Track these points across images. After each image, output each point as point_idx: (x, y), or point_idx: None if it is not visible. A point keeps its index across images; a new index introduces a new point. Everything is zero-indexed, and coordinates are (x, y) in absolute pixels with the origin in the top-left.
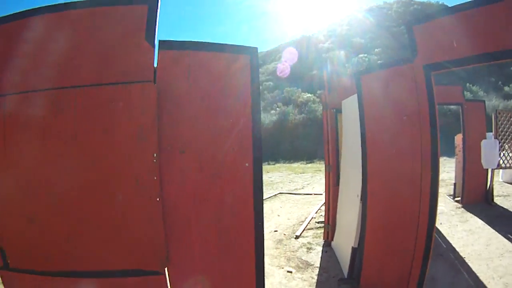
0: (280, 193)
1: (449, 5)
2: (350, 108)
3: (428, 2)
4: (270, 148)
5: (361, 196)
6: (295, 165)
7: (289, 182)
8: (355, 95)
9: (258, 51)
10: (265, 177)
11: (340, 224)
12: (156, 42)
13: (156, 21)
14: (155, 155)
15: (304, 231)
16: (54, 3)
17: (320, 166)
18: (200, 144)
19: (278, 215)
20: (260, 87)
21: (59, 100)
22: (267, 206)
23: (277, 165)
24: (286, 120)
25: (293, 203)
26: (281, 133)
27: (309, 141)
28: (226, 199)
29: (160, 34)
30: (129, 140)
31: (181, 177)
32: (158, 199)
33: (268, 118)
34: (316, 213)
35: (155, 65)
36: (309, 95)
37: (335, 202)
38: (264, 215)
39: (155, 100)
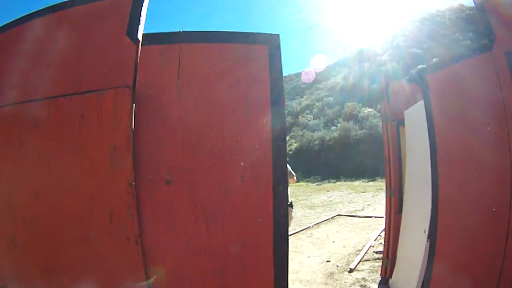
0: (339, 215)
1: None
2: (415, 119)
3: None
4: (332, 166)
5: (429, 232)
6: (356, 183)
7: (349, 203)
8: (421, 102)
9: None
10: (325, 196)
11: (401, 261)
12: (140, 37)
13: (141, 12)
14: (131, 184)
15: (360, 263)
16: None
17: (382, 184)
18: (195, 171)
19: (333, 242)
20: (320, 103)
21: (33, 114)
22: (322, 230)
23: (338, 183)
24: (348, 136)
25: (351, 227)
26: (343, 150)
27: (371, 158)
28: (232, 250)
29: None
30: (100, 164)
31: (168, 217)
32: (137, 242)
33: (329, 134)
34: (375, 240)
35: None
36: (370, 109)
37: (397, 234)
38: (318, 240)
39: (130, 111)
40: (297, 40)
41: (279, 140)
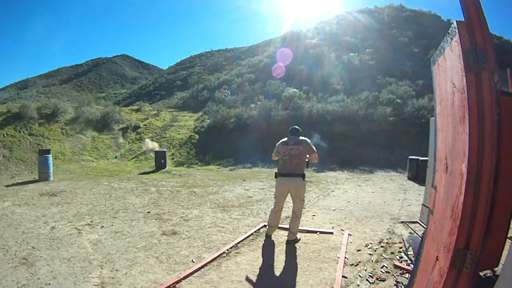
0: (265, 225)
1: (441, 16)
2: None
3: (420, 10)
4: (248, 148)
5: None
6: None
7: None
8: None
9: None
10: (241, 189)
11: None
12: None
13: None
14: None
15: None
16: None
17: (309, 174)
18: None
19: None
20: (240, 79)
21: None
22: (245, 261)
23: (255, 169)
24: (268, 116)
25: (288, 253)
26: (262, 131)
27: None
28: None
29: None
30: None
31: None
32: None
33: (247, 112)
34: None
35: None
36: (295, 90)
37: None
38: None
39: None
40: (224, 19)
41: None
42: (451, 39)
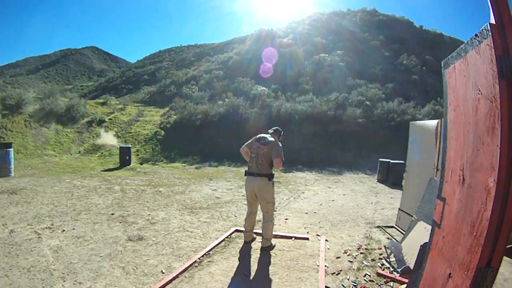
0: (237, 230)
1: (414, 22)
2: None
3: (393, 15)
4: (215, 145)
5: None
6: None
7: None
8: None
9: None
10: (208, 188)
11: None
12: None
13: None
14: None
15: None
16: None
17: (277, 174)
18: None
19: None
20: (209, 76)
21: None
22: (219, 271)
23: (221, 167)
24: (236, 113)
25: (263, 263)
26: (229, 128)
27: None
28: None
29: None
30: None
31: None
32: None
33: (214, 109)
34: None
35: None
36: (264, 88)
37: None
38: None
39: None
40: (197, 17)
41: None
42: (480, 42)
